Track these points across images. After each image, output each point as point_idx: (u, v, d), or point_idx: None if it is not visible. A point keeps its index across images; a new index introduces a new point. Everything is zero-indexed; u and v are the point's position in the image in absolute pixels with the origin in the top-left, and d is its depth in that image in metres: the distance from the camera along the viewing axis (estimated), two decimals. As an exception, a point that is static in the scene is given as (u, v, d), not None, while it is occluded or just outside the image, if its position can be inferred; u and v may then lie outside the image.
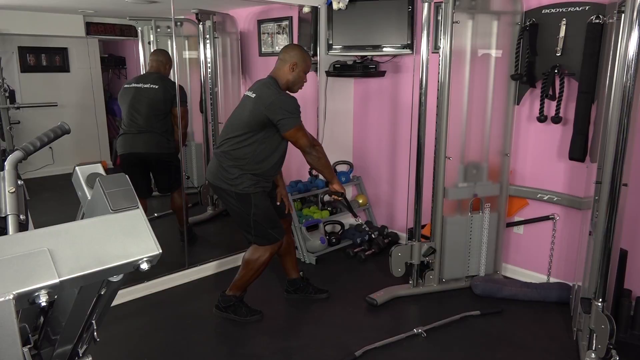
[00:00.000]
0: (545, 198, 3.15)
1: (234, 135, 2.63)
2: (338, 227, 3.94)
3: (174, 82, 3.48)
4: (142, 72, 4.80)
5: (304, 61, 2.68)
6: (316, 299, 3.11)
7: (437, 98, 2.94)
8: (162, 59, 3.72)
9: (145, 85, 3.56)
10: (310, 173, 4.11)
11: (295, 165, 4.57)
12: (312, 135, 2.73)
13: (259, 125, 2.57)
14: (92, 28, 4.32)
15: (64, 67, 4.23)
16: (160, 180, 3.81)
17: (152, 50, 3.90)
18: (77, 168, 1.13)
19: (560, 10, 2.84)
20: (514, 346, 2.62)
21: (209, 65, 4.43)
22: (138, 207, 1.00)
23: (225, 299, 2.86)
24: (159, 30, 4.70)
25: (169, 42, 4.71)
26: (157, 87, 3.55)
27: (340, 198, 2.93)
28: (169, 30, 4.69)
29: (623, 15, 2.14)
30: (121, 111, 3.55)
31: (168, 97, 3.53)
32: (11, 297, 0.78)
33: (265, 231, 2.72)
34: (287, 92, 2.67)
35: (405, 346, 2.61)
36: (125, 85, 3.60)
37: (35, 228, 0.98)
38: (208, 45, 4.38)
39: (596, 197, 2.36)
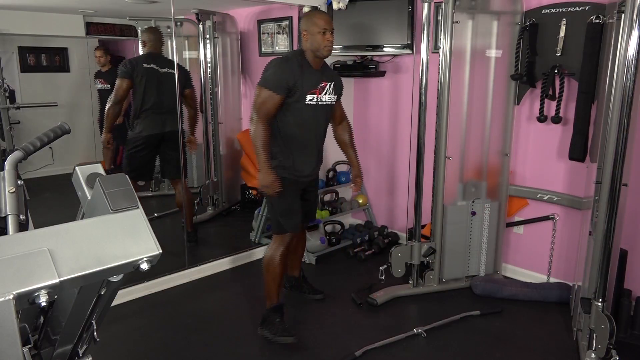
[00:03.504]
0: (545, 198, 3.15)
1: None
2: (338, 227, 3.93)
3: (182, 66, 3.76)
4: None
5: (312, 24, 2.50)
6: (311, 299, 3.11)
7: (437, 98, 2.94)
8: (159, 37, 3.75)
9: (164, 70, 3.62)
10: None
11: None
12: (271, 111, 2.46)
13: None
14: (92, 28, 4.33)
15: (64, 67, 4.23)
16: (172, 161, 3.76)
17: (144, 29, 3.90)
18: (77, 168, 1.13)
19: (560, 10, 2.84)
20: (514, 346, 2.62)
21: (209, 65, 4.43)
22: (138, 207, 1.00)
23: (263, 314, 2.70)
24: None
25: (169, 42, 4.71)
26: (174, 72, 3.58)
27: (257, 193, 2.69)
28: (169, 30, 4.68)
29: (623, 15, 2.14)
30: (140, 89, 3.54)
31: (182, 80, 3.60)
32: (11, 297, 0.78)
33: (275, 218, 2.64)
34: (317, 59, 2.55)
35: (405, 346, 2.61)
36: (145, 65, 3.56)
37: (35, 228, 0.98)
38: (208, 45, 4.39)
39: (596, 197, 2.36)
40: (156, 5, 3.80)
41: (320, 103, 2.57)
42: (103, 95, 4.24)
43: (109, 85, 4.15)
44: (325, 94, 2.58)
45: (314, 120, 2.58)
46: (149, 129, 3.59)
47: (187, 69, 4.17)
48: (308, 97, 2.51)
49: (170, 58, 3.71)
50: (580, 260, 2.73)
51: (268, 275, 2.64)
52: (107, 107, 3.48)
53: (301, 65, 2.50)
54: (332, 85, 2.62)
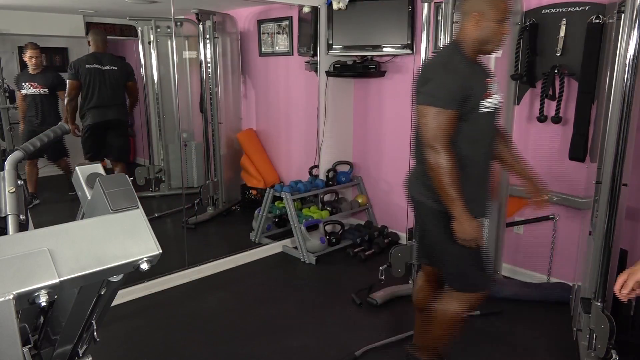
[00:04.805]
0: (545, 198, 3.15)
1: None
2: (338, 227, 3.93)
3: (124, 62, 4.48)
4: (142, 72, 4.81)
5: (492, 6, 1.85)
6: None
7: (437, 98, 2.94)
8: (102, 37, 4.19)
9: (106, 67, 4.11)
10: (310, 173, 4.11)
11: (296, 164, 4.58)
12: (451, 133, 1.85)
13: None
14: (92, 28, 4.33)
15: (64, 67, 4.23)
16: (117, 143, 4.34)
17: (91, 30, 4.31)
18: (77, 168, 1.13)
19: (560, 10, 2.84)
20: (514, 346, 2.62)
21: (209, 65, 4.43)
22: (138, 207, 1.00)
23: (407, 357, 2.26)
24: (159, 30, 4.71)
25: (169, 42, 4.72)
26: (116, 68, 4.16)
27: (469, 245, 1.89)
28: (169, 30, 4.69)
29: (623, 15, 2.13)
30: (86, 86, 4.08)
31: (124, 74, 4.28)
32: (11, 297, 0.78)
33: (463, 270, 1.98)
34: (479, 53, 1.95)
35: (405, 346, 2.61)
36: (87, 66, 4.04)
37: (35, 228, 0.98)
38: (208, 45, 4.39)
39: (596, 197, 2.36)
40: (156, 5, 3.81)
41: (493, 108, 1.96)
42: (37, 101, 4.20)
43: (46, 90, 4.21)
44: (494, 95, 1.97)
45: (489, 132, 2.01)
46: (94, 118, 4.12)
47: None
48: (484, 103, 1.90)
49: (114, 56, 4.37)
50: (580, 260, 2.73)
51: (440, 329, 2.10)
52: (65, 103, 4.10)
53: (468, 64, 1.91)
54: (494, 82, 2.00)
